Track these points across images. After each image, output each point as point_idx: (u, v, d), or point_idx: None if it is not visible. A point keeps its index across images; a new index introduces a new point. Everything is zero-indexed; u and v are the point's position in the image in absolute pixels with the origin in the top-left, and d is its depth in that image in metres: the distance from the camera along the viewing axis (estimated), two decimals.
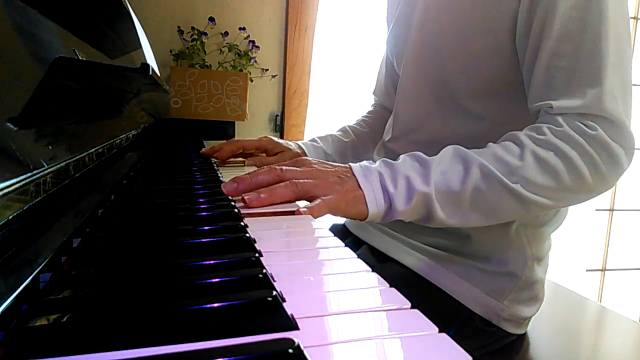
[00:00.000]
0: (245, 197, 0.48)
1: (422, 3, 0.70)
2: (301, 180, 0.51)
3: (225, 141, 0.92)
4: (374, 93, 1.02)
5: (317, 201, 0.49)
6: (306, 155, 0.89)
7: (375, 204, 0.52)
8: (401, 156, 0.56)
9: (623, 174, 0.56)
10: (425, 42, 0.70)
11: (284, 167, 0.52)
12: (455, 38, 0.65)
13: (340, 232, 0.92)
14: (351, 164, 0.55)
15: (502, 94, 0.64)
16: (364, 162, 0.56)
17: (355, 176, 0.53)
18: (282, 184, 0.50)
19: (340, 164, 0.56)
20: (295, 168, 0.53)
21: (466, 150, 0.55)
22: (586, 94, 0.54)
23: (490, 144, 0.56)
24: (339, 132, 0.96)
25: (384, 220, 0.54)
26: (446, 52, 0.67)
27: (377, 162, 0.55)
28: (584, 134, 0.53)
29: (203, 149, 0.94)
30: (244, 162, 0.92)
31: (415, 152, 0.56)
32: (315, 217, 0.48)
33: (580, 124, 0.54)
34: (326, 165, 0.55)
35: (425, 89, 0.71)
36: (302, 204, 0.50)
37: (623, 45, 0.55)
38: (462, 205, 0.54)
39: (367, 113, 1.01)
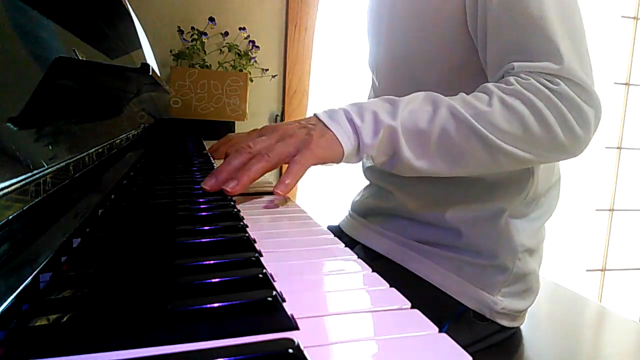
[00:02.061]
0: (227, 188, 0.48)
1: (388, 11, 0.74)
2: (271, 146, 0.50)
3: (218, 141, 0.93)
4: None
5: (292, 167, 0.49)
6: None
7: (347, 140, 0.52)
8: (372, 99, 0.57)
9: (592, 137, 0.57)
10: (396, 43, 0.73)
11: (250, 143, 0.52)
12: (418, 34, 0.68)
13: (335, 233, 0.92)
14: (316, 112, 0.55)
15: (467, 82, 0.65)
16: (329, 107, 0.56)
17: (321, 120, 0.53)
18: (253, 159, 0.50)
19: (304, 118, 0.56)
20: (262, 138, 0.53)
21: (437, 94, 0.56)
22: (544, 60, 0.55)
23: (462, 92, 0.57)
24: None
25: (357, 159, 0.54)
26: (412, 48, 0.69)
27: (344, 105, 0.56)
28: (549, 87, 0.54)
29: (211, 147, 0.96)
30: None
31: (386, 96, 0.56)
32: (294, 184, 0.48)
33: (545, 80, 0.55)
34: (290, 122, 0.55)
35: (399, 88, 0.73)
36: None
37: (566, 5, 0.57)
38: (429, 146, 0.53)
39: None
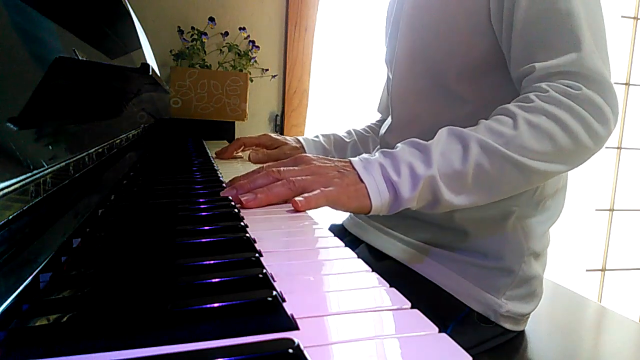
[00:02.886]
0: (243, 199, 0.48)
1: (409, 4, 0.74)
2: (299, 178, 0.51)
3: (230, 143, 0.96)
4: (378, 110, 1.05)
5: (316, 191, 0.49)
6: (304, 149, 0.91)
7: (378, 196, 0.51)
8: (399, 145, 0.56)
9: (612, 132, 0.57)
10: (414, 37, 0.73)
11: (281, 168, 0.52)
12: (438, 26, 0.68)
13: (339, 231, 0.92)
14: (351, 158, 0.55)
15: (487, 75, 0.66)
16: (364, 155, 0.55)
17: (355, 169, 0.53)
18: (279, 182, 0.50)
19: (339, 159, 0.56)
20: (293, 167, 0.53)
21: (460, 129, 0.55)
22: (566, 53, 0.56)
23: (482, 120, 0.57)
24: (343, 133, 0.99)
25: (390, 211, 0.53)
26: (432, 42, 0.69)
27: (376, 154, 0.55)
28: (570, 95, 0.54)
29: (218, 150, 0.98)
30: (242, 156, 0.95)
31: (412, 139, 0.56)
32: (312, 207, 0.48)
33: (564, 87, 0.55)
34: (325, 161, 0.55)
35: (417, 78, 0.73)
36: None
37: (592, 6, 0.57)
38: (466, 183, 0.53)
39: (372, 122, 1.04)
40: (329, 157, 0.56)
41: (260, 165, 0.61)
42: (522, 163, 0.53)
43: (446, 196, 0.52)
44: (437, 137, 0.55)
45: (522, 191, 0.59)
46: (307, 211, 0.48)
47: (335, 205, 0.51)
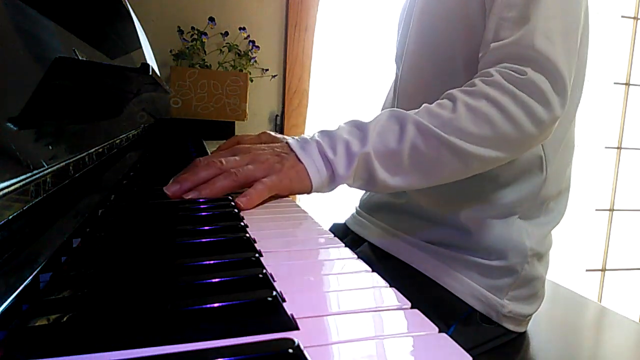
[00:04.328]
0: (187, 197, 0.49)
1: (419, 6, 0.75)
2: (240, 169, 0.51)
3: (226, 141, 0.94)
4: (382, 110, 1.05)
5: (258, 186, 0.49)
6: None
7: (317, 174, 0.52)
8: (340, 124, 0.57)
9: (557, 121, 0.57)
10: (424, 33, 0.74)
11: (222, 159, 0.52)
12: (444, 22, 0.69)
13: (341, 230, 0.92)
14: (288, 139, 0.56)
15: None
16: (302, 136, 0.56)
17: (293, 151, 0.53)
18: (221, 175, 0.50)
19: (278, 142, 0.56)
20: (234, 157, 0.53)
21: (402, 110, 0.56)
22: (518, 31, 0.56)
23: (425, 104, 0.57)
24: None
25: (329, 189, 0.54)
26: (438, 37, 0.70)
27: (315, 134, 0.56)
28: (514, 81, 0.54)
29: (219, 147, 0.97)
30: None
31: (354, 119, 0.57)
32: (255, 204, 0.48)
33: (511, 71, 0.55)
34: (263, 147, 0.55)
35: (424, 75, 0.74)
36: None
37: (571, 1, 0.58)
38: (402, 164, 0.54)
39: None
40: (267, 143, 0.57)
41: None
42: (457, 146, 0.53)
43: (381, 175, 0.53)
44: (377, 118, 0.56)
45: (460, 178, 0.58)
46: (306, 211, 0.48)
47: (279, 191, 0.51)
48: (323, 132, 0.55)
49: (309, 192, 0.53)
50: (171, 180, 0.51)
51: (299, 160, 0.52)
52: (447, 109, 0.54)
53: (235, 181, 0.50)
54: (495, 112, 0.53)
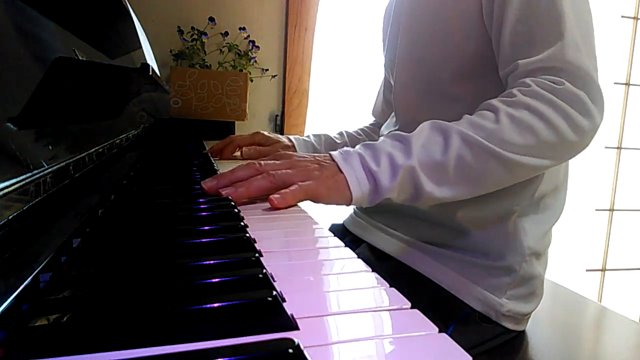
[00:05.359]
0: (223, 192, 0.49)
1: (408, 6, 0.74)
2: (279, 171, 0.51)
3: (220, 141, 0.96)
4: (372, 113, 1.06)
5: (293, 187, 0.49)
6: (295, 148, 0.92)
7: (358, 186, 0.51)
8: (381, 137, 0.56)
9: (598, 129, 0.57)
10: (414, 42, 0.73)
11: (262, 162, 0.53)
12: (435, 33, 0.69)
13: (340, 231, 0.92)
14: (331, 151, 0.55)
15: (485, 77, 0.66)
16: (344, 148, 0.55)
17: (335, 161, 0.53)
18: (259, 176, 0.51)
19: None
20: (274, 161, 0.53)
21: (443, 122, 0.56)
22: (549, 48, 0.56)
23: (465, 115, 0.57)
24: (334, 134, 1.00)
25: (371, 202, 0.53)
26: (429, 46, 0.70)
27: (357, 147, 0.55)
28: (552, 89, 0.55)
29: (212, 147, 0.98)
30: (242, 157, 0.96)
31: (395, 132, 0.56)
32: (289, 203, 0.48)
33: (547, 81, 0.55)
34: (305, 155, 0.55)
35: (418, 83, 0.74)
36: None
37: (579, 4, 0.58)
38: (448, 176, 0.53)
39: (365, 126, 1.05)
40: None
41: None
42: (504, 156, 0.53)
43: (427, 187, 0.52)
44: (418, 130, 0.55)
45: (507, 185, 0.58)
46: (306, 211, 0.48)
47: (315, 199, 0.51)
48: (365, 145, 0.54)
49: (348, 204, 0.52)
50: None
51: (340, 170, 0.52)
52: (490, 120, 0.54)
53: (272, 182, 0.50)
54: (537, 122, 0.53)
